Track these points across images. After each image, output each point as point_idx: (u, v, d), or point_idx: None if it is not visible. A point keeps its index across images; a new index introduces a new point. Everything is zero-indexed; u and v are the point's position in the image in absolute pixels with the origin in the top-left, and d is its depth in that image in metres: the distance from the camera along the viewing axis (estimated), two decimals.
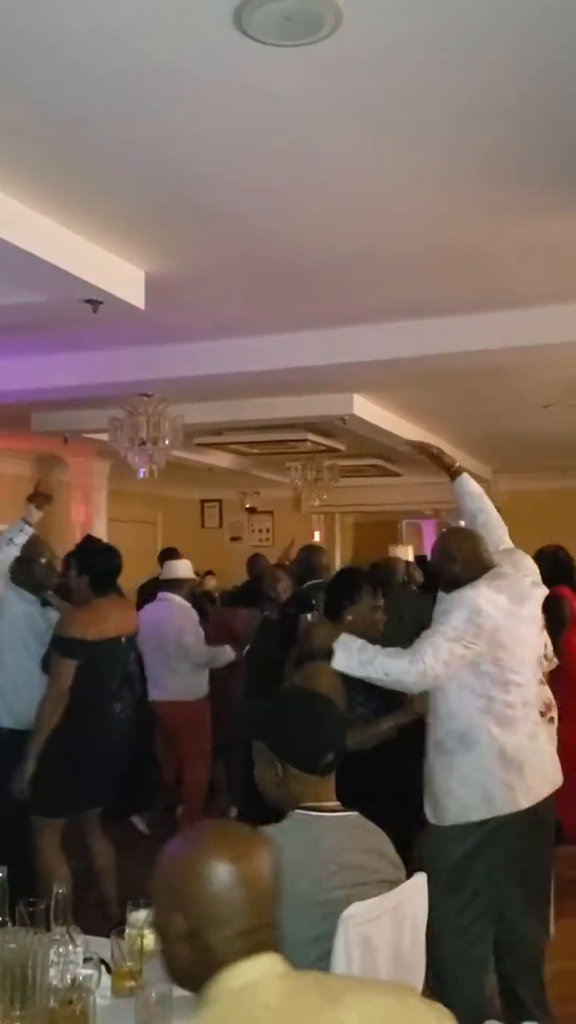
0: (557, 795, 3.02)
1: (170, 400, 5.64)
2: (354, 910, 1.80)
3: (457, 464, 3.49)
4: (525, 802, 2.82)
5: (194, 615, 5.35)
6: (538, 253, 3.77)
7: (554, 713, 3.91)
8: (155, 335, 5.00)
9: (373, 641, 2.98)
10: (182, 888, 1.31)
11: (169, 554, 6.97)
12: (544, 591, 3.10)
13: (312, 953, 1.83)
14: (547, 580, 4.50)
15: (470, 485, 3.42)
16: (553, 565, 4.81)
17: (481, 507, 3.36)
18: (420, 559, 9.29)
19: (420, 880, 2.03)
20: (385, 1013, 1.22)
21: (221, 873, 1.30)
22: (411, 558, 10.87)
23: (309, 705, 2.13)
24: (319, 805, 2.00)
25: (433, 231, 3.52)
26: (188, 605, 5.43)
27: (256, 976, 1.25)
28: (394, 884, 1.98)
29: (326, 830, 1.97)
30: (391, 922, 1.92)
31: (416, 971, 2.00)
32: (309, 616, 3.04)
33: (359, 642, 2.86)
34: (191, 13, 2.12)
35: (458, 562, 2.98)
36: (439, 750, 2.91)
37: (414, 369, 5.18)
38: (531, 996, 2.88)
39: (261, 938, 1.30)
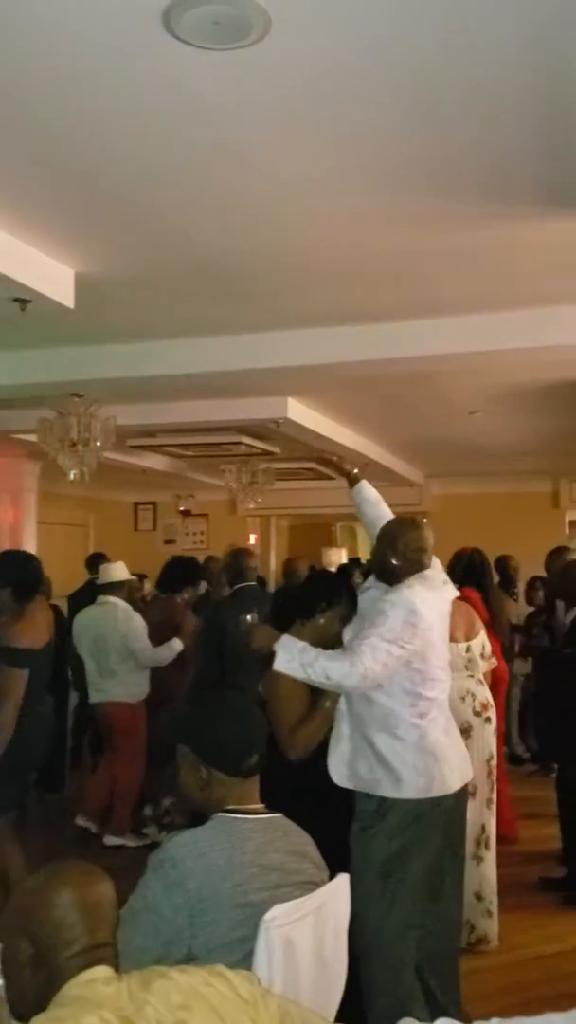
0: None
1: (102, 401, 5.58)
2: (275, 912, 1.81)
3: (356, 471, 3.59)
4: (438, 791, 2.87)
5: (138, 617, 5.38)
6: (463, 263, 3.84)
7: (491, 713, 4.00)
8: (86, 335, 4.94)
9: (333, 647, 3.00)
10: (30, 915, 1.47)
11: (97, 559, 6.94)
12: (453, 590, 3.18)
13: (236, 954, 1.83)
14: (459, 580, 4.59)
15: (368, 492, 3.52)
16: (468, 566, 4.91)
17: (380, 513, 3.43)
18: (354, 561, 9.38)
19: (342, 881, 2.05)
20: (188, 986, 1.45)
21: (64, 899, 1.47)
22: (344, 560, 10.97)
23: (233, 707, 2.13)
24: (243, 808, 2.01)
25: (362, 238, 3.56)
26: (130, 608, 5.46)
27: (94, 976, 1.43)
28: (317, 886, 2.00)
29: (250, 832, 1.97)
30: (313, 924, 1.93)
31: (338, 972, 2.01)
32: (249, 617, 3.03)
33: (300, 644, 2.87)
34: (120, 13, 2.11)
35: (399, 553, 3.03)
36: (367, 725, 2.95)
37: (345, 374, 5.23)
38: (447, 995, 2.94)
39: (99, 956, 1.46)
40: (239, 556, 5.18)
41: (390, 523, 3.25)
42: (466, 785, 3.04)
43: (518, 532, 9.28)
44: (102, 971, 1.45)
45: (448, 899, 2.98)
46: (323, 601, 3.27)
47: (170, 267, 3.90)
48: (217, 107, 2.55)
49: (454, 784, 2.92)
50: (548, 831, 4.97)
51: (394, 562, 3.02)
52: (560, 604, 5.57)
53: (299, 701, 3.04)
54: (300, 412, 6.51)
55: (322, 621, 3.23)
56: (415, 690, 2.89)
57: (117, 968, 1.49)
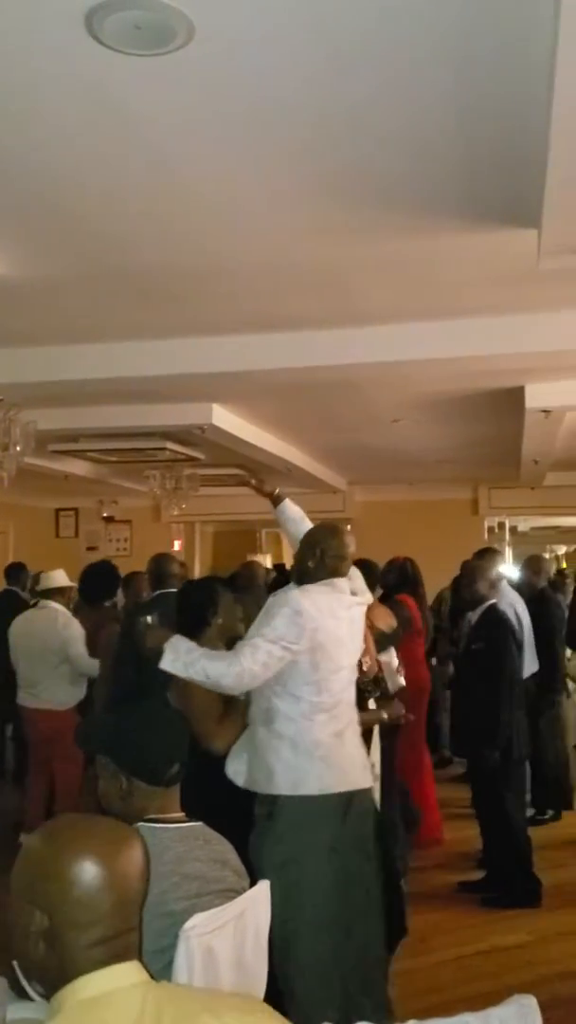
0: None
1: (22, 405, 5.48)
2: (195, 921, 1.80)
3: (278, 491, 3.71)
4: (309, 790, 2.89)
5: (77, 624, 5.40)
6: (387, 273, 3.90)
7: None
8: (5, 337, 4.85)
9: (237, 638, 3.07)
10: (45, 887, 1.24)
11: (17, 568, 6.84)
12: (364, 602, 3.24)
13: (156, 964, 1.81)
14: (394, 588, 4.67)
15: (291, 511, 3.64)
16: (401, 574, 5.09)
17: (303, 529, 3.49)
18: (279, 567, 9.41)
19: (263, 888, 2.05)
20: None
21: (88, 875, 1.23)
22: (270, 566, 10.98)
23: (153, 717, 2.12)
24: (163, 817, 2.00)
25: (287, 247, 3.58)
26: (69, 614, 5.49)
27: (111, 987, 1.20)
28: (238, 893, 2.00)
29: (170, 841, 1.96)
30: (234, 931, 1.93)
31: (258, 980, 2.01)
32: (148, 619, 3.08)
33: (187, 644, 2.93)
34: (42, 16, 2.09)
35: (318, 558, 3.07)
36: (253, 720, 3.02)
37: (270, 381, 5.25)
38: (372, 997, 2.97)
39: (123, 944, 1.24)
40: (161, 562, 5.16)
41: (314, 528, 3.32)
42: (365, 791, 3.07)
43: (439, 538, 9.46)
44: (124, 973, 1.22)
45: (364, 904, 3.01)
46: (209, 605, 3.38)
47: (93, 272, 3.86)
48: (141, 113, 2.54)
49: (332, 787, 2.94)
50: (474, 832, 5.06)
51: (310, 564, 3.08)
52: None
53: (213, 701, 3.07)
54: (225, 418, 6.50)
55: (220, 621, 3.35)
56: (299, 693, 2.95)
57: (140, 956, 1.28)
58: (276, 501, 3.68)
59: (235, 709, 3.14)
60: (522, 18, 2.08)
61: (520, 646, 5.18)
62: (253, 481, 3.87)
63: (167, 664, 2.90)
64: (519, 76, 2.33)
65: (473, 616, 4.90)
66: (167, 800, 2.02)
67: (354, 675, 3.17)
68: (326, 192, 3.08)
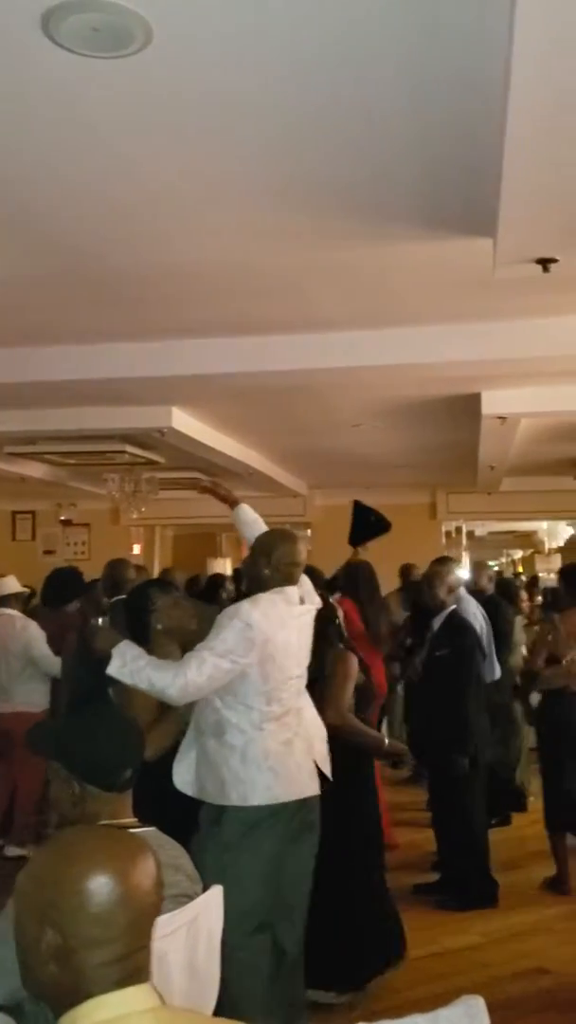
0: None
1: None
2: None
3: (234, 495, 3.77)
4: (259, 800, 2.91)
5: (35, 625, 5.45)
6: (346, 279, 3.93)
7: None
8: None
9: (190, 637, 3.05)
10: (58, 904, 1.18)
11: None
12: (313, 607, 3.26)
13: None
14: (342, 591, 4.64)
15: (247, 515, 3.66)
16: (347, 578, 5.08)
17: (258, 531, 3.51)
18: (239, 572, 9.39)
19: (216, 893, 2.05)
20: None
21: (104, 890, 1.18)
22: (230, 571, 10.97)
23: (106, 722, 2.11)
24: (116, 822, 1.98)
25: (246, 251, 3.59)
26: (26, 617, 5.54)
27: (125, 1011, 1.17)
28: (191, 898, 1.99)
29: None
30: (186, 937, 1.92)
31: (210, 986, 2.01)
32: (99, 622, 3.08)
33: (136, 651, 2.92)
34: None
35: (271, 565, 3.07)
36: (203, 732, 3.01)
37: (230, 385, 5.25)
38: (295, 996, 3.02)
39: (136, 962, 1.21)
40: (117, 567, 5.14)
41: (266, 534, 3.31)
42: (311, 799, 3.09)
43: (398, 542, 9.48)
44: (138, 997, 1.18)
45: (290, 908, 3.06)
46: (144, 610, 3.37)
47: (51, 273, 3.83)
48: (99, 115, 2.53)
49: (280, 796, 2.96)
50: (424, 836, 5.10)
51: (266, 573, 3.08)
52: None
53: (151, 702, 3.06)
54: (185, 421, 6.49)
55: (159, 626, 3.34)
56: (249, 703, 2.96)
57: (150, 975, 1.23)
58: (233, 505, 3.70)
59: (168, 717, 3.14)
60: (479, 35, 2.12)
61: (484, 652, 5.21)
62: (209, 484, 3.87)
63: (114, 670, 2.89)
64: (475, 91, 2.36)
65: (436, 622, 4.90)
66: (119, 805, 2.01)
67: (303, 682, 3.19)
68: (285, 197, 3.10)
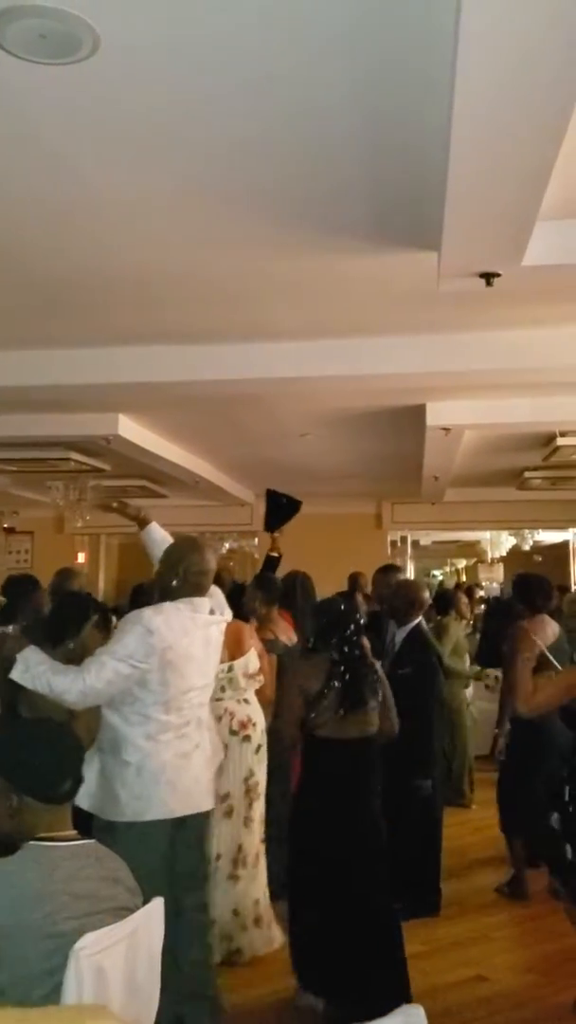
0: None
1: None
2: (85, 941, 1.77)
3: (143, 514, 3.72)
4: (155, 815, 2.93)
5: None
6: (295, 290, 3.95)
7: (250, 731, 4.02)
8: None
9: None
10: None
11: None
12: (223, 619, 3.27)
13: (44, 987, 1.78)
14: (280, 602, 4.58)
15: (157, 533, 3.63)
16: (285, 589, 5.04)
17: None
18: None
19: (157, 906, 2.03)
20: None
21: None
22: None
23: (44, 733, 2.08)
24: (54, 835, 1.96)
25: (196, 260, 3.58)
26: None
27: None
28: (130, 911, 1.97)
29: (61, 859, 1.92)
30: (126, 950, 1.90)
31: (151, 999, 1.99)
32: (10, 629, 3.07)
33: (39, 656, 2.92)
34: None
35: (180, 575, 3.06)
36: (101, 749, 3.02)
37: (177, 393, 5.23)
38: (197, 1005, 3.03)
39: None
40: (65, 577, 5.06)
41: (174, 544, 3.31)
42: (205, 813, 3.12)
43: (344, 552, 9.57)
44: None
45: (190, 920, 3.06)
46: (72, 626, 3.52)
47: None
48: (46, 122, 2.51)
49: (176, 810, 2.98)
50: None
51: (174, 583, 3.07)
52: (391, 623, 5.72)
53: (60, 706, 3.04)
54: (131, 429, 6.45)
55: (71, 645, 3.43)
56: (147, 712, 2.97)
57: None
58: (142, 524, 3.66)
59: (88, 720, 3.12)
60: (426, 60, 2.17)
61: (443, 668, 5.14)
62: (115, 504, 3.87)
63: (16, 674, 2.91)
64: (422, 113, 2.41)
65: (398, 637, 4.75)
66: (58, 817, 1.98)
67: (208, 694, 3.20)
68: (236, 208, 3.11)
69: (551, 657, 4.72)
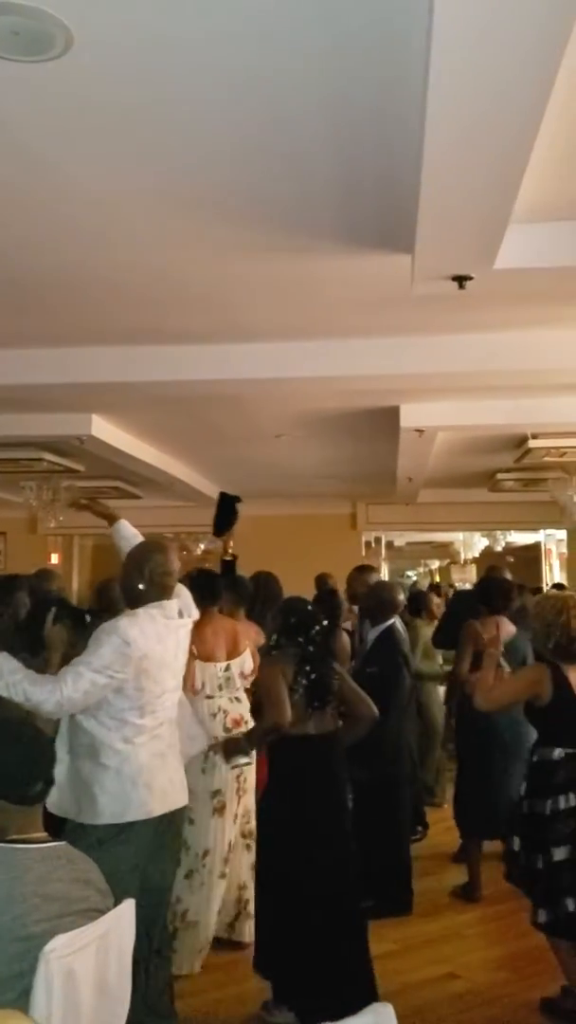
0: None
1: None
2: (56, 943, 1.77)
3: (112, 510, 3.75)
4: (133, 816, 2.95)
5: None
6: (270, 291, 3.95)
7: (243, 729, 4.04)
8: None
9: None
10: None
11: None
12: (187, 620, 3.27)
13: (12, 991, 1.77)
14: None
15: (127, 530, 3.63)
16: (255, 588, 5.05)
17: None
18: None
19: (128, 908, 2.02)
20: None
21: None
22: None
23: (16, 734, 2.07)
24: (25, 837, 1.95)
25: (171, 260, 3.57)
26: None
27: None
28: (101, 913, 1.97)
29: (31, 862, 1.91)
30: (96, 952, 1.89)
31: (121, 1002, 1.99)
32: None
33: (13, 664, 2.91)
34: None
35: (145, 577, 3.07)
36: (77, 754, 3.03)
37: (151, 393, 5.21)
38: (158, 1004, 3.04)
39: None
40: (43, 579, 5.03)
41: (137, 547, 3.31)
42: (179, 809, 3.15)
43: (320, 552, 9.58)
44: None
45: (157, 915, 3.09)
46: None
47: None
48: (17, 119, 2.49)
49: (155, 810, 3.01)
50: None
51: (140, 586, 3.07)
52: (366, 622, 5.74)
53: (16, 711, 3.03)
54: (105, 429, 6.42)
55: None
56: (123, 716, 2.98)
57: None
58: (111, 521, 3.67)
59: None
60: (397, 64, 2.18)
61: (410, 669, 5.17)
62: (84, 502, 3.91)
63: None
64: (395, 116, 2.42)
65: (370, 637, 4.78)
66: (29, 819, 1.97)
67: (178, 694, 3.23)
68: (210, 208, 3.10)
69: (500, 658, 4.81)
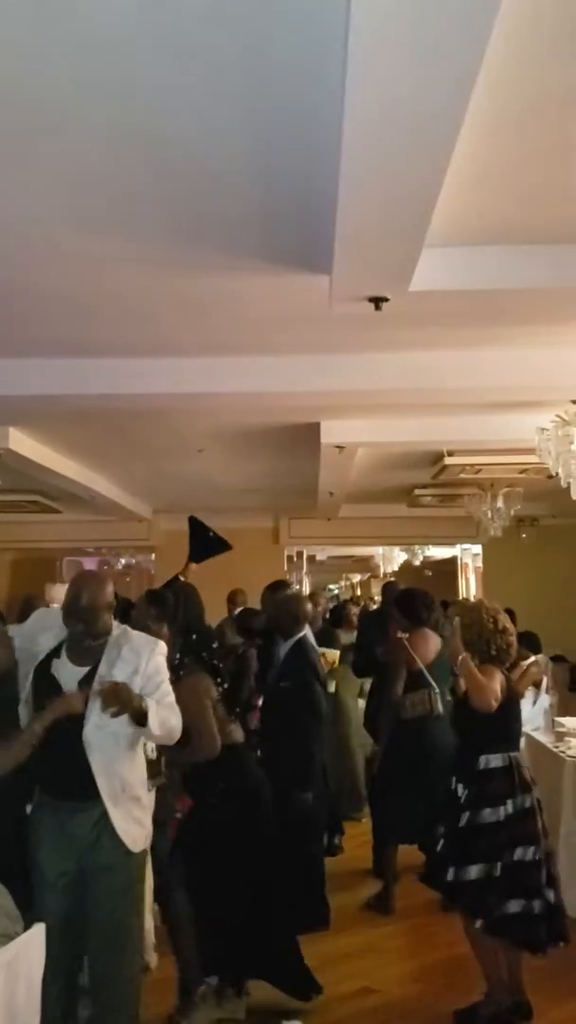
0: None
1: None
2: None
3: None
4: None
5: None
6: (193, 307, 3.95)
7: None
8: None
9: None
10: None
11: None
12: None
13: None
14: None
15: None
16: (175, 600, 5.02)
17: None
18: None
19: (37, 932, 1.99)
20: None
21: None
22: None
23: None
24: None
25: (92, 275, 3.54)
26: None
27: None
28: (10, 938, 1.93)
29: None
30: (5, 978, 1.85)
31: None
32: None
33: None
34: None
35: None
36: (130, 786, 3.02)
37: (70, 407, 5.15)
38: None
39: None
40: None
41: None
42: None
43: (242, 567, 9.57)
44: None
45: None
46: None
47: None
48: None
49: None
50: None
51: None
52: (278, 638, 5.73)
53: None
54: (23, 443, 6.31)
55: None
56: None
57: None
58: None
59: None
60: (316, 91, 2.22)
61: (323, 682, 5.15)
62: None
63: (152, 719, 2.89)
64: (314, 141, 2.46)
65: (282, 651, 4.71)
66: None
67: None
68: (134, 226, 3.10)
69: (427, 675, 4.88)
